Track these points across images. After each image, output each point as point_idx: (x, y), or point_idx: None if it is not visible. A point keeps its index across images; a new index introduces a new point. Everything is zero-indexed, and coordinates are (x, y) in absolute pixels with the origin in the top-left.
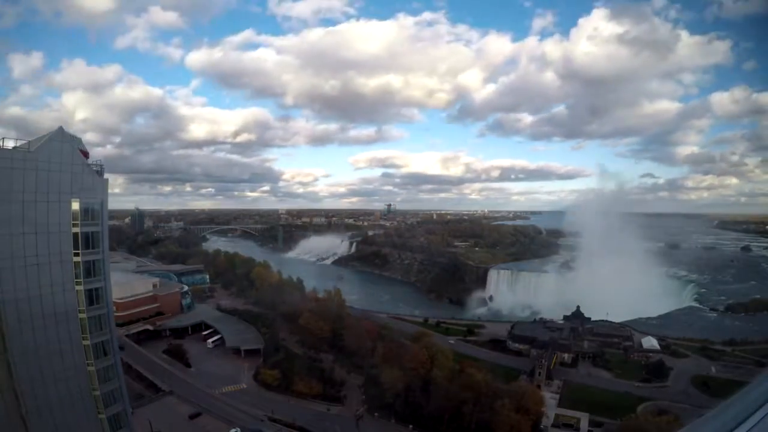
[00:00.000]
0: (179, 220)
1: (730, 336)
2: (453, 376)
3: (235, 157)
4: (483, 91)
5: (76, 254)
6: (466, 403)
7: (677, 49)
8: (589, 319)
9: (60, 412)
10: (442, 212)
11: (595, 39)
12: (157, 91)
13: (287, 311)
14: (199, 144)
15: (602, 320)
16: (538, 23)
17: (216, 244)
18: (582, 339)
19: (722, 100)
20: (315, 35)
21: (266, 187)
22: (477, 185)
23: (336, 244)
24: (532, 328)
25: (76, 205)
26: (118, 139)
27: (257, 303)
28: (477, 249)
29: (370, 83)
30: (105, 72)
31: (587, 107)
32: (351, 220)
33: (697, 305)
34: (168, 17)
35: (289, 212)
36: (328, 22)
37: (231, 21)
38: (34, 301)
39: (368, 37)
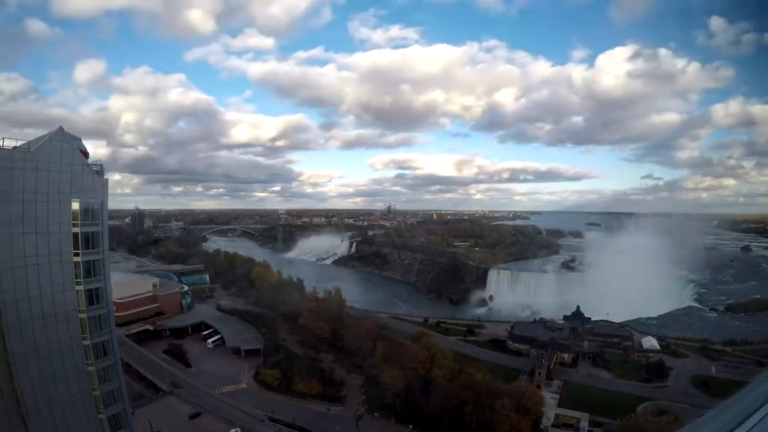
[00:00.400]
0: (179, 220)
1: (730, 336)
2: (453, 376)
3: (260, 159)
4: (513, 105)
5: (76, 254)
6: (466, 403)
7: (686, 77)
8: (589, 319)
9: (60, 412)
10: (443, 212)
11: (616, 70)
12: (207, 98)
13: (287, 311)
14: (230, 146)
15: (602, 320)
16: (575, 54)
17: (216, 244)
18: (582, 339)
19: (720, 111)
20: (382, 56)
21: (276, 187)
22: (483, 186)
23: (336, 244)
24: (532, 328)
25: (76, 205)
26: (152, 141)
27: (257, 303)
28: (477, 249)
29: (419, 99)
30: (167, 80)
31: (601, 120)
32: (351, 220)
33: (697, 305)
34: (255, 39)
35: (289, 212)
36: (397, 45)
37: (306, 39)
38: (34, 301)
39: (430, 59)
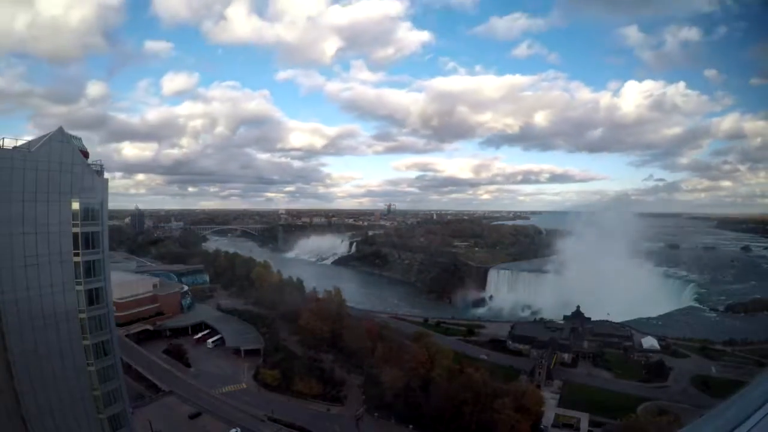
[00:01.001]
0: (179, 220)
1: (730, 336)
2: (453, 376)
3: (296, 162)
4: (547, 123)
5: (76, 254)
6: (466, 403)
7: (693, 105)
8: (589, 319)
9: (60, 412)
10: (443, 212)
11: (637, 100)
12: (276, 110)
13: (287, 311)
14: (280, 151)
15: (602, 320)
16: (611, 85)
17: (216, 244)
18: (582, 339)
19: (719, 123)
20: (457, 82)
21: (291, 188)
22: (493, 186)
23: (336, 244)
24: (532, 328)
25: (76, 205)
26: (197, 146)
27: (257, 303)
28: (477, 249)
29: (472, 118)
30: (254, 96)
31: (617, 136)
32: (351, 220)
33: (697, 305)
34: (363, 74)
35: (289, 212)
36: (472, 74)
37: (396, 68)
38: (34, 301)
39: (495, 87)
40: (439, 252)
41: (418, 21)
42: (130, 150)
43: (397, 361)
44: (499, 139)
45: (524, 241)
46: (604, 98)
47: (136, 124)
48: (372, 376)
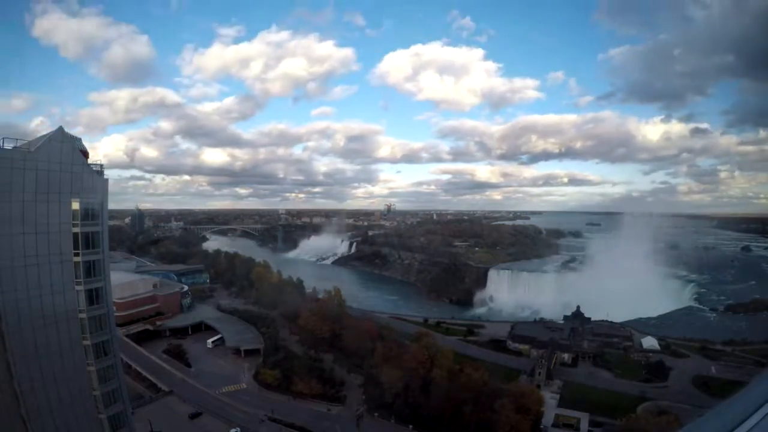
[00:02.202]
0: (179, 220)
1: (730, 336)
2: (453, 376)
3: (349, 166)
4: (585, 145)
5: (76, 254)
6: (466, 403)
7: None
8: (589, 319)
9: (60, 412)
10: (443, 212)
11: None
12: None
13: (287, 311)
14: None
15: (602, 320)
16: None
17: (216, 244)
18: (582, 339)
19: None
20: (531, 117)
21: (318, 189)
22: (511, 188)
23: (336, 244)
24: (532, 328)
25: (76, 205)
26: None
27: (257, 303)
28: (477, 249)
29: (535, 142)
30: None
31: (640, 153)
32: (351, 220)
33: (697, 305)
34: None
35: (289, 212)
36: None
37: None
38: (34, 301)
39: (560, 122)
40: (439, 252)
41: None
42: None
43: (397, 361)
44: (538, 156)
45: (524, 241)
46: (639, 126)
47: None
48: (372, 376)
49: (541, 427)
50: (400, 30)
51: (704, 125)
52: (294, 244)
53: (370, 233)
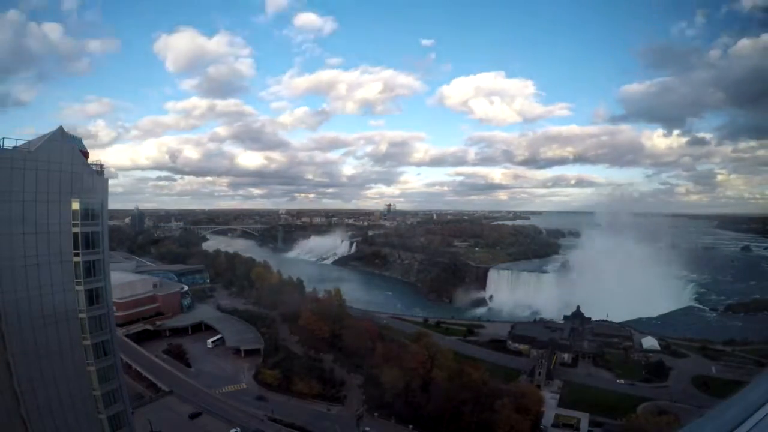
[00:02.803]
0: (179, 220)
1: (730, 336)
2: (453, 376)
3: (375, 168)
4: (598, 153)
5: (76, 254)
6: (466, 403)
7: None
8: (589, 319)
9: (60, 412)
10: (443, 212)
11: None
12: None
13: (287, 311)
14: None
15: (602, 320)
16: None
17: (216, 244)
18: (582, 339)
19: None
20: (560, 129)
21: (331, 190)
22: (517, 189)
23: (336, 244)
24: (532, 328)
25: (76, 205)
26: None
27: (257, 303)
28: (477, 249)
29: (554, 150)
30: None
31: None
32: (351, 220)
33: (697, 305)
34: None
35: (289, 212)
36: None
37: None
38: (34, 301)
39: (581, 133)
40: (439, 252)
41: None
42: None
43: (397, 361)
44: (554, 161)
45: (524, 241)
46: (646, 137)
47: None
48: (372, 376)
49: (541, 427)
50: (462, 63)
51: (701, 135)
52: (294, 244)
53: (370, 233)
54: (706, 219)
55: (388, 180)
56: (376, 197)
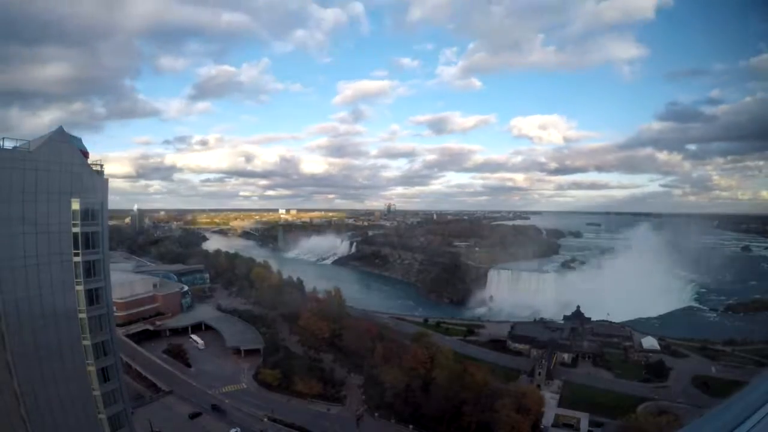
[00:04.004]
0: (179, 220)
1: (730, 336)
2: (453, 376)
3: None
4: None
5: (76, 254)
6: (466, 403)
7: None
8: (589, 319)
9: (60, 412)
10: (442, 213)
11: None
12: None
13: (287, 311)
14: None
15: (602, 320)
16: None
17: (216, 244)
18: (582, 339)
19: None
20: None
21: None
22: (532, 191)
23: (336, 244)
24: (532, 328)
25: (76, 205)
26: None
27: (257, 303)
28: (477, 249)
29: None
30: None
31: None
32: (351, 220)
33: (697, 305)
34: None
35: (289, 212)
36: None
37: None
38: (34, 301)
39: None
40: (439, 252)
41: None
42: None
43: (397, 361)
44: (577, 169)
45: (524, 241)
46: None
47: None
48: (372, 376)
49: (541, 427)
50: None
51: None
52: (294, 244)
53: (370, 233)
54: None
55: (418, 183)
56: (392, 198)
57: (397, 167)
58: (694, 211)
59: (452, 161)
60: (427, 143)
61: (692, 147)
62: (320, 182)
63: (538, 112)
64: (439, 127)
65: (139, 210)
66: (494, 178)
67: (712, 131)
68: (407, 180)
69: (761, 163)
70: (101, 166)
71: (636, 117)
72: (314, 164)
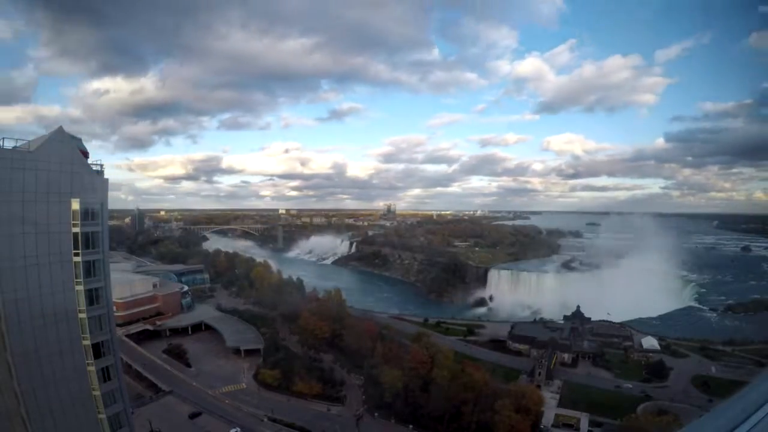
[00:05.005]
0: (179, 220)
1: (730, 336)
2: (453, 376)
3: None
4: None
5: (76, 254)
6: (466, 403)
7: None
8: (589, 319)
9: (60, 411)
10: (442, 212)
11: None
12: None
13: (287, 311)
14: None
15: (602, 320)
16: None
17: (216, 244)
18: (582, 339)
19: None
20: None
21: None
22: (540, 192)
23: (336, 244)
24: (532, 328)
25: (76, 205)
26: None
27: (257, 303)
28: (477, 249)
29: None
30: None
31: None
32: (351, 220)
33: (697, 305)
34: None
35: (289, 212)
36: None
37: None
38: (34, 301)
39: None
40: (439, 252)
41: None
42: None
43: (397, 361)
44: (589, 174)
45: (524, 241)
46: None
47: None
48: (372, 376)
49: (541, 427)
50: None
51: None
52: (294, 244)
53: (370, 233)
54: (705, 219)
55: (443, 184)
56: (411, 199)
57: (434, 170)
58: (693, 212)
59: (484, 166)
60: (471, 151)
61: (690, 159)
62: (338, 183)
63: (568, 131)
64: (486, 141)
65: (138, 210)
66: (513, 181)
67: (707, 148)
68: (433, 182)
69: (752, 170)
70: (101, 166)
71: (644, 137)
72: (361, 169)
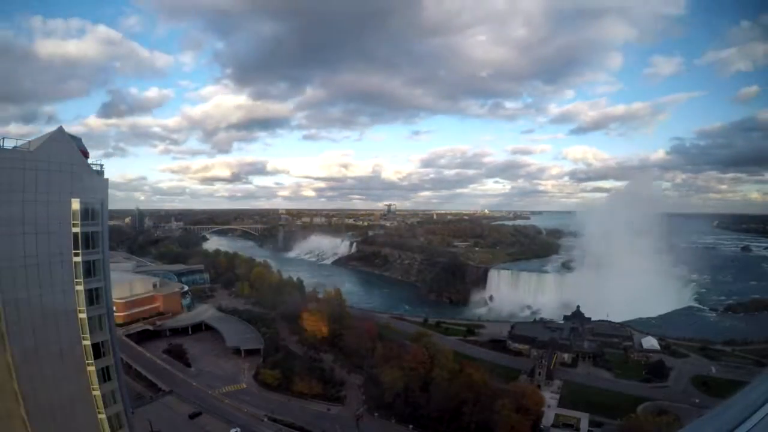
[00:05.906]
0: (179, 220)
1: (730, 336)
2: (453, 376)
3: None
4: None
5: (76, 254)
6: (466, 403)
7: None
8: (589, 319)
9: (60, 412)
10: (442, 212)
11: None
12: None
13: (287, 311)
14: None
15: (602, 320)
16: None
17: (216, 244)
18: (582, 339)
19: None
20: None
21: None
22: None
23: (336, 244)
24: (532, 328)
25: (76, 205)
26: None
27: (257, 303)
28: (477, 249)
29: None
30: None
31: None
32: (351, 220)
33: (697, 305)
34: None
35: (289, 212)
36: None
37: None
38: (34, 301)
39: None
40: (439, 252)
41: None
42: None
43: (397, 361)
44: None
45: (524, 241)
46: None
47: None
48: (372, 376)
49: (541, 427)
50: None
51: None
52: (294, 245)
53: (371, 233)
54: (705, 219)
55: (459, 186)
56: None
57: (456, 173)
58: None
59: (508, 170)
60: (500, 157)
61: (689, 167)
62: (352, 185)
63: (585, 144)
64: (516, 150)
65: (138, 210)
66: (528, 184)
67: (703, 158)
68: (453, 183)
69: (744, 175)
70: (101, 165)
71: (649, 148)
72: (394, 173)
